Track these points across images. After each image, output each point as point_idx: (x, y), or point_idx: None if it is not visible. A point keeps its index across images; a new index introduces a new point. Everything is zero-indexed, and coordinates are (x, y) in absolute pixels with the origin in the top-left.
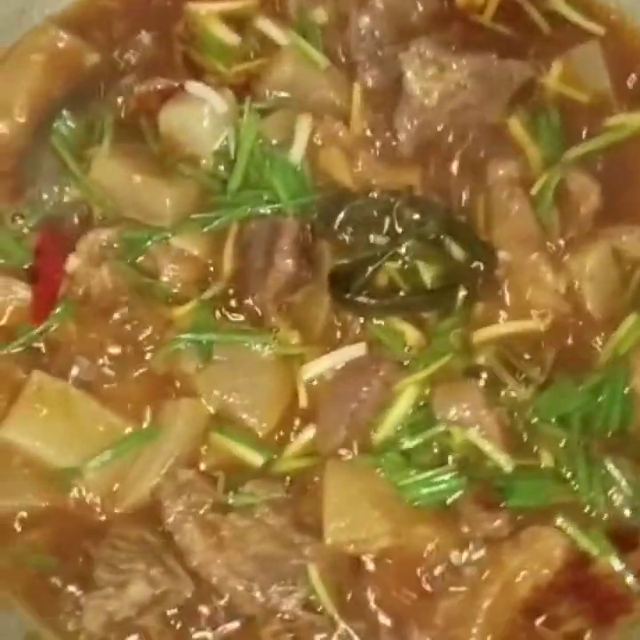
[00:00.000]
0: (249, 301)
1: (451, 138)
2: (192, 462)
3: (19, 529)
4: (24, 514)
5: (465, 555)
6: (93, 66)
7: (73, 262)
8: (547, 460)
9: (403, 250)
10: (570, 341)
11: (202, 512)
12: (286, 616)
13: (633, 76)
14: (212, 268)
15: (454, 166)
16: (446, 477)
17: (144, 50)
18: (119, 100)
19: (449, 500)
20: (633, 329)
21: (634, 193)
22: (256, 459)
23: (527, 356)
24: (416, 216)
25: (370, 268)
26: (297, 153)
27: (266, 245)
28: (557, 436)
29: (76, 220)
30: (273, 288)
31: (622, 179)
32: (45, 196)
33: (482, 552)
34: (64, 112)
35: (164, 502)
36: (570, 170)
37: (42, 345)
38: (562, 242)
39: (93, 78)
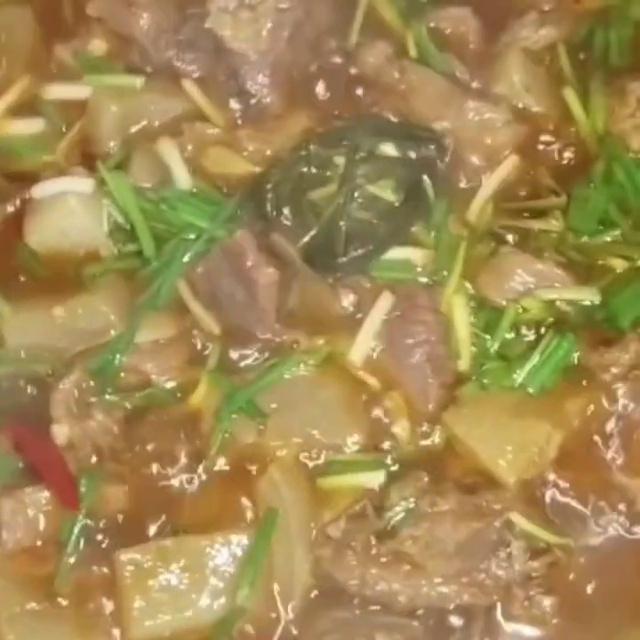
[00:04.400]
0: (253, 338)
1: (307, 63)
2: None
3: None
4: None
5: (624, 401)
6: None
7: (60, 432)
8: (619, 266)
9: (356, 181)
10: (547, 153)
11: (373, 552)
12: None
13: None
14: (195, 337)
15: (329, 85)
16: (552, 346)
17: None
18: None
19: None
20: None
21: None
22: (375, 479)
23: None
24: (344, 142)
25: (341, 223)
26: (182, 178)
27: (232, 274)
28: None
29: (27, 395)
30: (268, 306)
31: None
32: None
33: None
34: None
35: (333, 569)
36: (432, 13)
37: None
38: (473, 77)
39: None
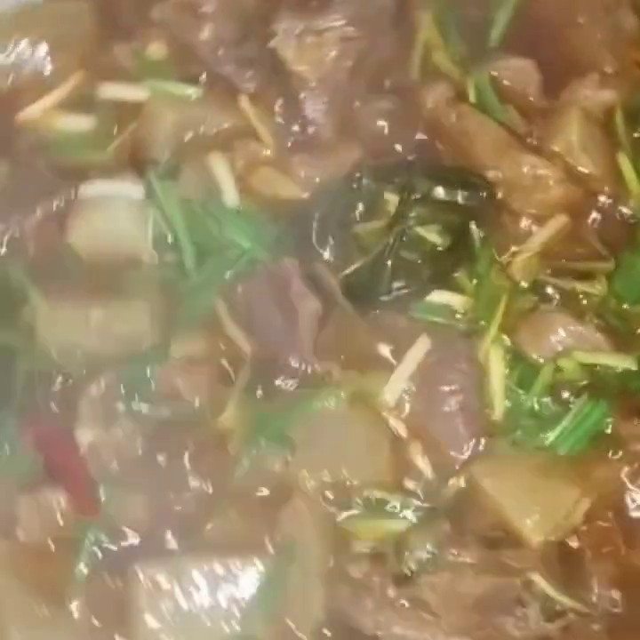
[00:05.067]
0: (288, 365)
1: (366, 94)
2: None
3: None
4: None
5: None
6: None
7: (85, 436)
8: None
9: (406, 221)
10: (597, 216)
11: (391, 595)
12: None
13: None
14: (226, 357)
15: (384, 120)
16: (586, 410)
17: (4, 180)
18: (13, 246)
19: (606, 429)
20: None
21: (562, 49)
22: (400, 525)
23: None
24: (397, 180)
25: (388, 262)
26: (231, 195)
27: (276, 300)
28: None
29: (54, 395)
30: (307, 337)
31: (544, 42)
32: (6, 389)
33: None
34: None
35: (350, 608)
36: (493, 61)
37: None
38: (530, 131)
39: None
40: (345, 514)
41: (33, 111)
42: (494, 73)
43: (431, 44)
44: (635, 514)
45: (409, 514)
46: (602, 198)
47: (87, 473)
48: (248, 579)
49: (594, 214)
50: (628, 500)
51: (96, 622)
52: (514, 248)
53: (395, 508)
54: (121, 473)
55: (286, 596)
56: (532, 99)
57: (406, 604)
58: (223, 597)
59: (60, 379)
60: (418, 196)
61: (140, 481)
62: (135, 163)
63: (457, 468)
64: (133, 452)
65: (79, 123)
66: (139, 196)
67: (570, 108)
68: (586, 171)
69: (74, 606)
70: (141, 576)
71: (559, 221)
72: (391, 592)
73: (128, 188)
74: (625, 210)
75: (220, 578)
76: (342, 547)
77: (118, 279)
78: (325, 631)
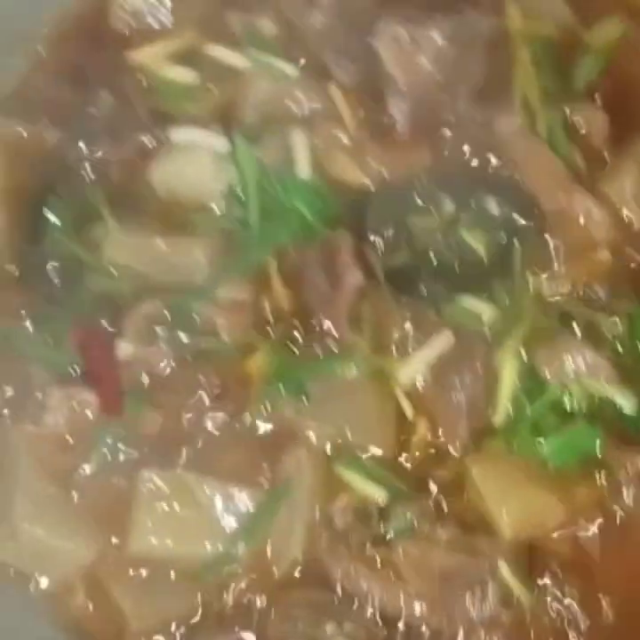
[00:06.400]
0: (321, 327)
1: (447, 106)
2: (328, 507)
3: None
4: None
5: (629, 497)
6: (56, 144)
7: (125, 349)
8: None
9: (456, 226)
10: (636, 261)
11: (366, 552)
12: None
13: None
14: (266, 308)
15: (458, 133)
16: (582, 432)
17: (105, 110)
18: (98, 170)
19: (596, 453)
20: None
21: (635, 106)
22: (380, 495)
23: (602, 292)
24: (456, 189)
25: (434, 258)
26: (304, 168)
27: (324, 266)
28: None
29: (105, 307)
30: (346, 305)
31: (621, 96)
32: (64, 292)
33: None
34: (50, 200)
35: (326, 554)
36: (571, 103)
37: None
38: (588, 171)
39: (62, 156)
40: (340, 469)
41: (144, 55)
42: (570, 114)
43: (524, 77)
44: (605, 533)
45: (399, 484)
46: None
47: (119, 381)
48: (241, 504)
49: (633, 257)
50: (603, 520)
51: (95, 511)
52: (549, 272)
53: (387, 476)
54: (148, 388)
55: (271, 530)
56: (596, 145)
57: (378, 563)
58: (215, 516)
59: (113, 294)
60: (473, 206)
61: (163, 399)
62: (224, 120)
63: (452, 454)
64: (163, 372)
65: (182, 74)
66: (222, 149)
67: (629, 159)
68: (633, 217)
69: (76, 493)
70: (146, 478)
71: (599, 258)
72: (367, 549)
73: (213, 140)
74: None
75: (217, 498)
76: (332, 498)
77: (186, 220)
78: (296, 573)
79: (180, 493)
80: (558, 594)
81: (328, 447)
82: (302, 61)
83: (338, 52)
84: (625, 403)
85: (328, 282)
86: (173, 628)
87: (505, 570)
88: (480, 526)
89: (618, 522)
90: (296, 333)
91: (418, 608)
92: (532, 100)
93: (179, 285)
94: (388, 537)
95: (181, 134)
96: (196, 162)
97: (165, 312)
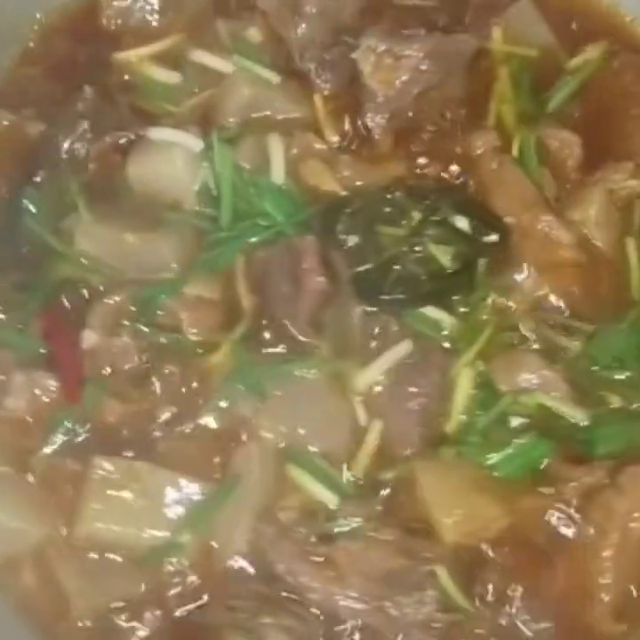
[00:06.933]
0: (282, 329)
1: (422, 121)
2: (276, 503)
3: (124, 624)
4: (121, 604)
5: (571, 513)
6: (38, 135)
7: (89, 338)
8: (616, 402)
9: (423, 238)
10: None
11: (309, 549)
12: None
13: (573, 21)
14: (231, 307)
15: (433, 147)
16: (530, 444)
17: (88, 106)
18: (77, 163)
19: (541, 466)
20: None
21: (609, 132)
22: (329, 499)
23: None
24: (427, 201)
25: (396, 266)
26: (278, 173)
27: (288, 269)
28: (618, 377)
29: (73, 296)
30: (307, 309)
31: (595, 121)
32: (34, 280)
33: (587, 507)
34: (28, 189)
35: (269, 548)
36: (545, 127)
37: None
38: (557, 195)
39: (43, 147)
40: (290, 468)
41: (130, 55)
42: (544, 136)
43: (501, 97)
44: (549, 543)
45: (348, 486)
46: (603, 271)
47: (81, 369)
48: (189, 494)
49: (594, 278)
50: (545, 531)
51: (47, 492)
52: (511, 287)
53: (336, 477)
54: (108, 378)
55: (218, 521)
56: (568, 169)
57: (319, 560)
58: (163, 504)
59: (82, 285)
60: (439, 218)
61: (121, 390)
62: (203, 122)
63: (401, 459)
64: (125, 364)
65: (166, 76)
66: (197, 150)
67: (597, 185)
68: (598, 244)
69: (31, 475)
70: (97, 464)
71: (561, 275)
72: (309, 546)
73: (190, 141)
74: (622, 286)
75: (166, 487)
76: (279, 495)
77: (158, 216)
78: (240, 565)
79: (130, 481)
80: (497, 601)
81: (281, 446)
82: (285, 70)
83: (321, 63)
84: (576, 418)
85: (291, 285)
86: (116, 610)
87: (443, 574)
88: (423, 530)
89: (561, 534)
90: (259, 333)
91: (358, 607)
92: (508, 121)
93: (147, 280)
94: (332, 535)
95: (158, 133)
96: (171, 160)
97: (131, 306)
